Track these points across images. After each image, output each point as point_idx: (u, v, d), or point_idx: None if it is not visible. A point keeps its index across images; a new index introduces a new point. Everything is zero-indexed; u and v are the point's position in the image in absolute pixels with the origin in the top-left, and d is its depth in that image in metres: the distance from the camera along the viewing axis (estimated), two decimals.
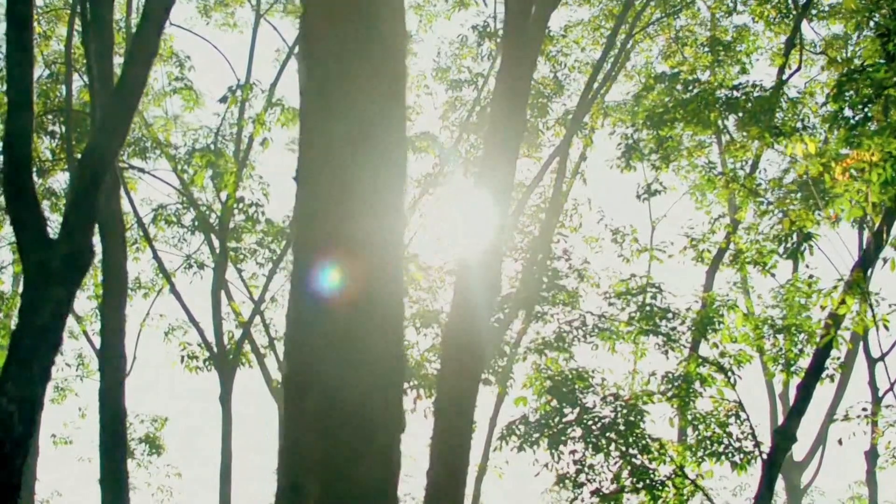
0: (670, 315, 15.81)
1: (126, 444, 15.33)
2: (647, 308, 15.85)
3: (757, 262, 17.80)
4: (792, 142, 12.73)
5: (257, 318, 23.25)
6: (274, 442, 23.91)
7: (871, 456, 21.03)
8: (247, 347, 22.85)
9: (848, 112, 16.48)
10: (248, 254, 22.66)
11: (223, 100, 16.44)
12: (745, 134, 15.91)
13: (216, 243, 22.77)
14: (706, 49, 20.63)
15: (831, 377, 15.78)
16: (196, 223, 22.25)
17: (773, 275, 19.73)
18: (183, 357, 22.46)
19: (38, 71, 21.91)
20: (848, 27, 22.95)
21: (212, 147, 21.24)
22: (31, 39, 11.27)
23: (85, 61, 20.69)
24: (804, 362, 17.06)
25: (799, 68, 19.01)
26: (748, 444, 16.27)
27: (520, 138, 12.85)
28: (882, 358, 18.39)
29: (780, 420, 23.06)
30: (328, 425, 4.52)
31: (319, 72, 4.88)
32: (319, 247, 4.78)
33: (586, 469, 16.02)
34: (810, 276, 18.75)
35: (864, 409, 14.89)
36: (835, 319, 13.67)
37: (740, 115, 15.75)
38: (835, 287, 13.15)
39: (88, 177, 10.77)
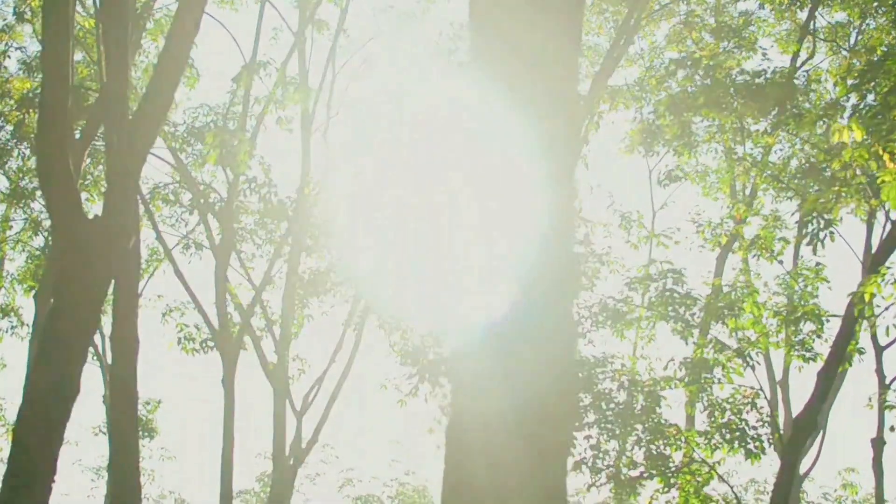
0: (690, 301, 15.74)
1: (138, 431, 14.98)
2: (667, 293, 15.76)
3: (765, 247, 17.80)
4: (840, 129, 12.61)
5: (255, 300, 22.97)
6: (268, 424, 23.64)
7: (878, 444, 21.11)
8: (238, 325, 22.56)
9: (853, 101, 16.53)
10: (247, 234, 22.34)
11: (237, 79, 16.03)
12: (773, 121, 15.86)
13: (213, 224, 22.48)
14: (711, 37, 20.55)
15: (849, 362, 15.81)
16: (193, 203, 21.93)
17: (780, 261, 19.75)
18: (180, 339, 22.16)
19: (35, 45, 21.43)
20: (852, 14, 22.98)
21: (212, 126, 20.88)
22: (69, 14, 10.94)
23: (82, 36, 20.23)
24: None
25: (812, 55, 18.97)
26: (763, 432, 16.25)
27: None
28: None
29: (781, 406, 23.15)
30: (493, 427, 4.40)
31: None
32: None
33: (601, 454, 15.94)
34: (817, 264, 18.79)
35: None
36: (860, 307, 13.64)
37: (759, 101, 15.67)
38: (882, 274, 13.10)
39: (130, 153, 10.49)
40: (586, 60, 24.16)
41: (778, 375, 23.59)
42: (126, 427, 14.23)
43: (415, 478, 35.93)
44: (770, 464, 22.77)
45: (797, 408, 22.60)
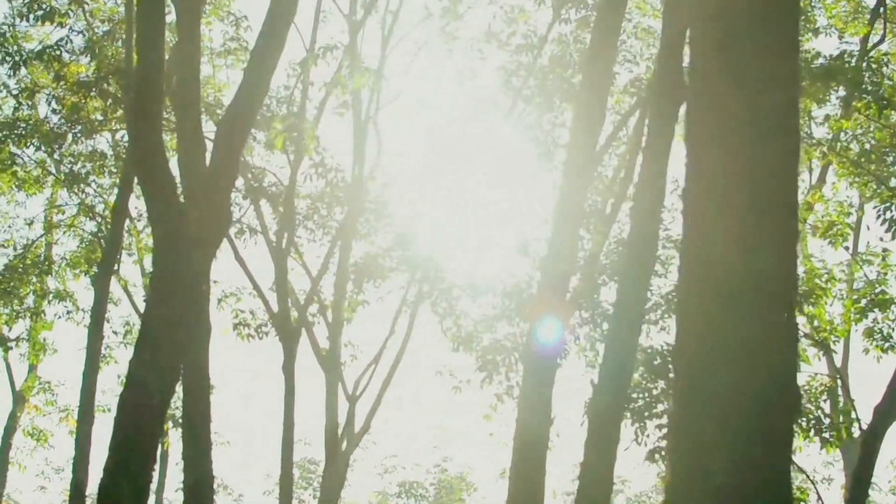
0: None
1: (210, 418, 14.78)
2: None
3: (839, 234, 17.59)
4: None
5: (308, 286, 22.86)
6: (311, 410, 23.59)
7: None
8: (294, 314, 22.46)
9: None
10: (302, 219, 22.17)
11: (303, 63, 15.83)
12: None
13: (265, 209, 22.38)
14: None
15: None
16: (248, 187, 21.78)
17: (846, 248, 19.51)
18: (236, 325, 22.10)
19: (89, 31, 21.28)
20: None
21: (265, 110, 20.69)
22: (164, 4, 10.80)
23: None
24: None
25: (883, 39, 18.67)
26: (836, 421, 16.07)
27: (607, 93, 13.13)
28: None
29: (840, 394, 22.91)
30: (738, 405, 4.33)
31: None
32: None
33: None
34: (884, 250, 18.55)
35: None
36: None
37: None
38: None
39: (229, 138, 10.33)
40: (641, 43, 23.88)
41: (837, 362, 23.32)
42: (199, 414, 14.11)
43: (453, 464, 35.84)
44: (820, 453, 22.48)
45: (856, 395, 22.38)
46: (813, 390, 15.87)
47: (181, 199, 11.08)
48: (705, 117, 4.74)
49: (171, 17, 13.39)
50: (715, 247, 4.57)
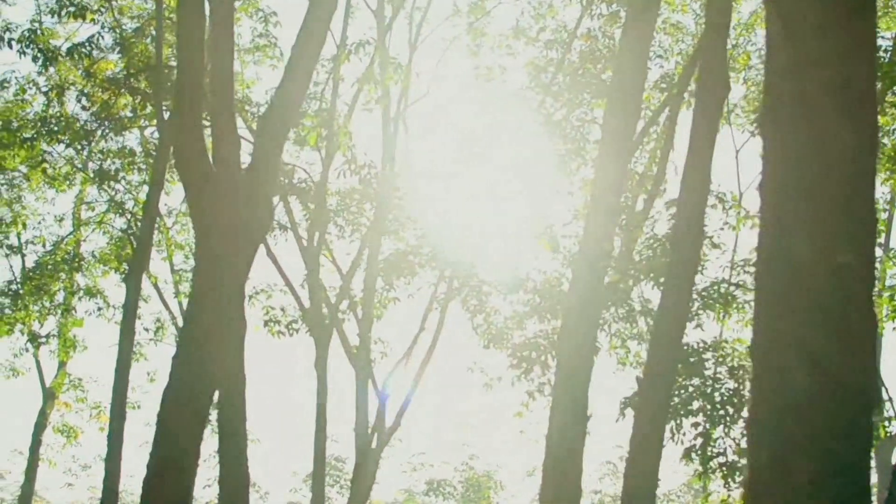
0: None
1: (246, 416, 14.73)
2: None
3: None
4: None
5: (338, 282, 22.84)
6: (340, 407, 23.53)
7: None
8: (324, 310, 22.45)
9: None
10: (332, 215, 22.12)
11: (336, 59, 15.76)
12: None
13: (294, 205, 22.35)
14: None
15: None
16: (279, 184, 21.75)
17: (879, 245, 19.32)
18: (266, 321, 22.07)
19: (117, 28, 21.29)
20: None
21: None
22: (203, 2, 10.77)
23: (169, 15, 20.04)
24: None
25: None
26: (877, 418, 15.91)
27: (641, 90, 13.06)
28: None
29: None
30: (818, 402, 4.25)
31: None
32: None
33: (712, 442, 15.65)
34: None
35: None
36: None
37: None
38: None
39: (269, 140, 10.27)
40: (669, 38, 23.74)
41: None
42: (235, 412, 14.07)
43: (481, 462, 35.80)
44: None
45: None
46: None
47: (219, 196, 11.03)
48: (780, 105, 4.62)
49: None
50: (792, 241, 4.47)
